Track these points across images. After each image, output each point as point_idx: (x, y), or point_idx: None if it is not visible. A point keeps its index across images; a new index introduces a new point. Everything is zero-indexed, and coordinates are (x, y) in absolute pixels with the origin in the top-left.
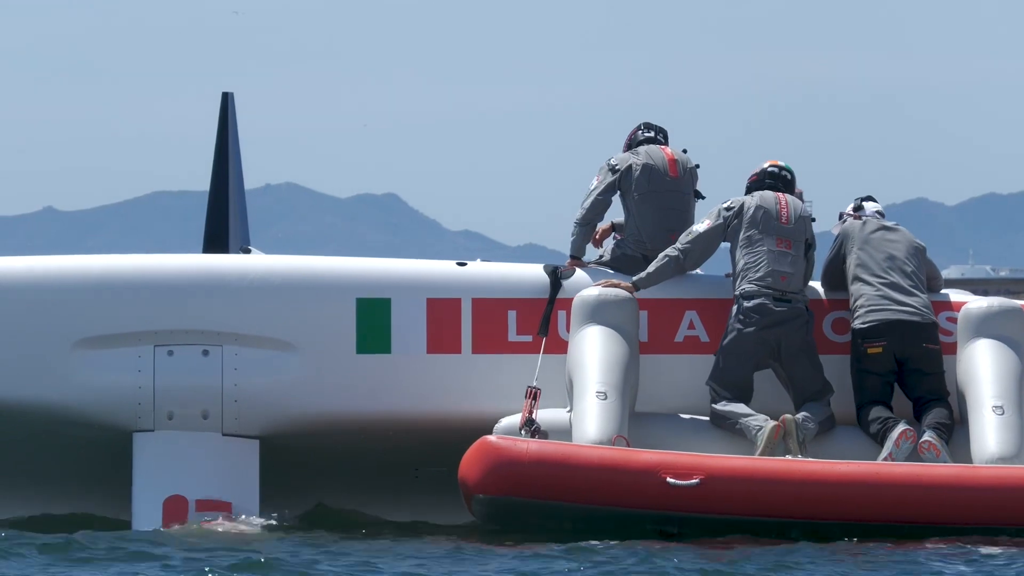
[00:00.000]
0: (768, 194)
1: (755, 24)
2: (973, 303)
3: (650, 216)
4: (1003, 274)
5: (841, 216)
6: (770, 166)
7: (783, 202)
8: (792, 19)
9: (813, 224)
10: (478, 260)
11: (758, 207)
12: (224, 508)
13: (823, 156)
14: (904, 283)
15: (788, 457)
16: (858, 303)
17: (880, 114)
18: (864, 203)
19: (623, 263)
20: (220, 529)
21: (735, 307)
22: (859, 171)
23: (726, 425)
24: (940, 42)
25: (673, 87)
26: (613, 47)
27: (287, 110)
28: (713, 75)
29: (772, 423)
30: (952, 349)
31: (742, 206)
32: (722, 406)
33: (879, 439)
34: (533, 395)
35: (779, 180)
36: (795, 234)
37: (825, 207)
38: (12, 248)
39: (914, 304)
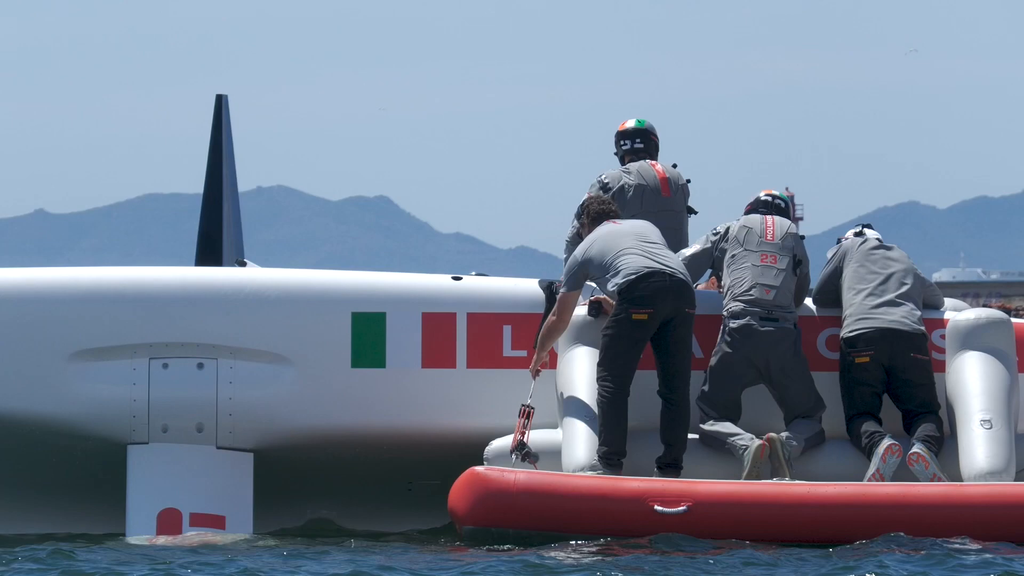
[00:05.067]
0: (755, 216)
1: (746, 26)
2: (961, 315)
3: None
4: (994, 277)
5: (839, 241)
6: (764, 195)
7: (769, 222)
8: (783, 21)
9: (803, 240)
10: (473, 273)
11: (742, 227)
12: (218, 521)
13: (815, 160)
14: (893, 295)
15: (775, 479)
16: (847, 313)
17: (872, 118)
18: (865, 229)
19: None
20: (213, 541)
21: (722, 327)
22: (851, 174)
23: (715, 444)
24: (931, 45)
25: (666, 90)
26: (607, 50)
27: (278, 113)
28: (707, 77)
29: (757, 443)
30: (942, 364)
31: (728, 229)
32: (709, 426)
33: (867, 453)
34: (527, 414)
35: (772, 208)
36: (781, 250)
37: (817, 212)
38: (3, 250)
39: (901, 314)
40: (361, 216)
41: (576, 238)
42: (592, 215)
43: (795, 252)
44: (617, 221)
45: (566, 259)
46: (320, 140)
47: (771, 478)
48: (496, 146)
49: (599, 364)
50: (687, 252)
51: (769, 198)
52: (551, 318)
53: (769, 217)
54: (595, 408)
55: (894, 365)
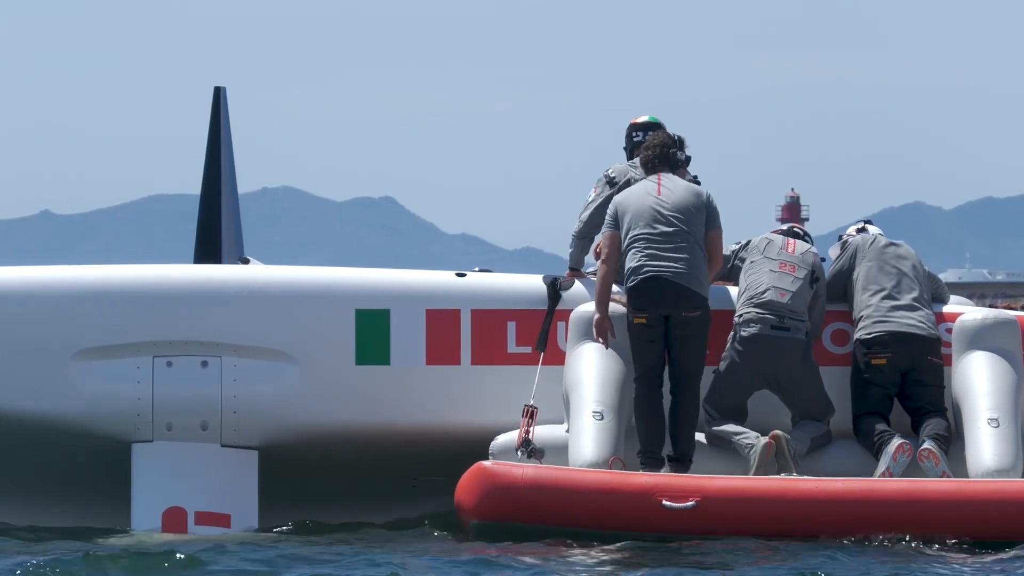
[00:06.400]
0: (778, 235)
1: (751, 27)
2: (968, 315)
3: None
4: (1000, 278)
5: (841, 238)
6: (790, 226)
7: (791, 241)
8: (789, 22)
9: (823, 264)
10: (476, 269)
11: (764, 239)
12: (223, 519)
13: (821, 161)
14: (910, 298)
15: (783, 475)
16: (863, 314)
17: (877, 118)
18: (867, 226)
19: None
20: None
21: (733, 332)
22: (857, 175)
23: (721, 444)
24: (937, 46)
25: (671, 90)
26: (613, 51)
27: (284, 113)
28: (713, 78)
29: (763, 441)
30: (948, 361)
31: (749, 241)
32: (714, 427)
33: (875, 452)
34: (530, 414)
35: (796, 237)
36: (800, 262)
37: (822, 212)
38: (9, 251)
39: (919, 318)
40: (366, 217)
41: (603, 204)
42: (644, 162)
43: (814, 268)
44: (660, 181)
45: (571, 254)
46: (325, 141)
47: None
48: (501, 147)
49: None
50: None
51: (798, 230)
52: (600, 266)
53: (791, 239)
54: (601, 404)
55: (911, 367)
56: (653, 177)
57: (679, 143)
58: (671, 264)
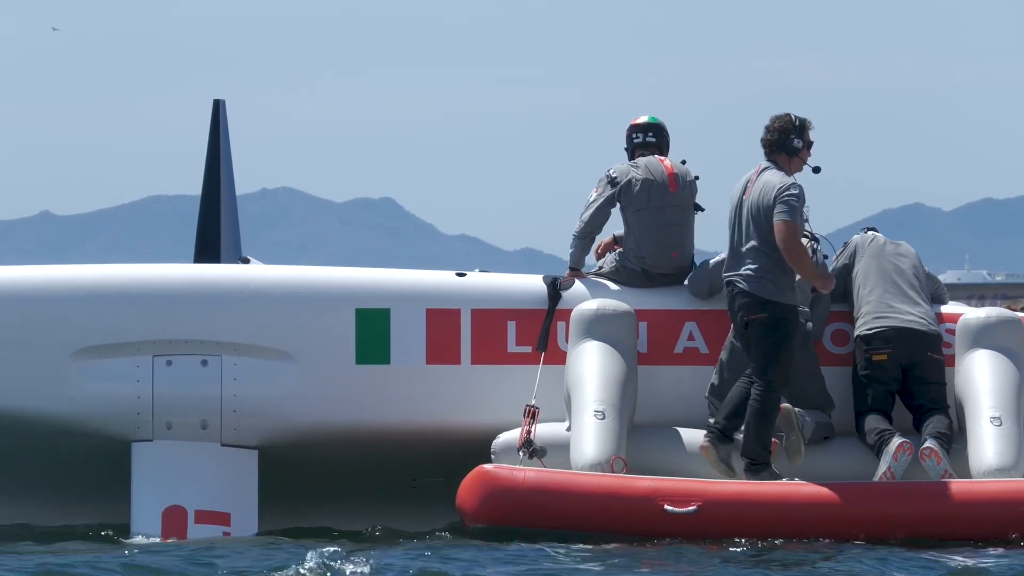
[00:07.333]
0: None
1: (751, 28)
2: (971, 314)
3: (650, 232)
4: (999, 279)
5: (846, 245)
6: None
7: None
8: (789, 22)
9: (825, 260)
10: (476, 270)
11: None
12: (223, 518)
13: (821, 161)
14: (911, 294)
15: (792, 444)
16: (863, 310)
17: (877, 118)
18: (870, 232)
19: (623, 276)
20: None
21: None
22: (857, 176)
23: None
24: (937, 46)
25: (670, 91)
26: (613, 51)
27: (283, 114)
28: (713, 79)
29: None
30: (951, 361)
31: None
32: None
33: (876, 451)
34: (532, 414)
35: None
36: None
37: (822, 213)
38: (9, 252)
39: (919, 313)
40: (366, 217)
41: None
42: (762, 145)
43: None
44: (755, 177)
45: (572, 254)
46: (325, 142)
47: (783, 445)
48: (501, 148)
49: None
50: (712, 262)
51: (808, 231)
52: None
53: None
54: (602, 403)
55: (911, 363)
56: (756, 168)
57: (799, 128)
58: (738, 271)
